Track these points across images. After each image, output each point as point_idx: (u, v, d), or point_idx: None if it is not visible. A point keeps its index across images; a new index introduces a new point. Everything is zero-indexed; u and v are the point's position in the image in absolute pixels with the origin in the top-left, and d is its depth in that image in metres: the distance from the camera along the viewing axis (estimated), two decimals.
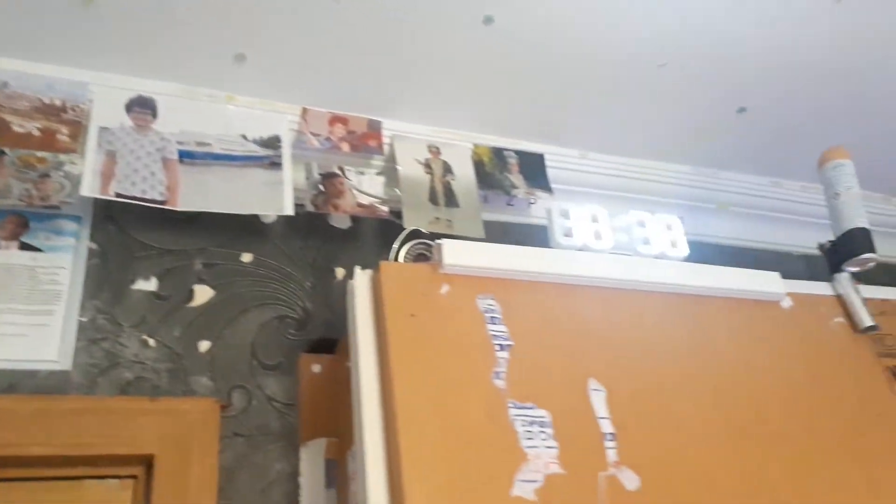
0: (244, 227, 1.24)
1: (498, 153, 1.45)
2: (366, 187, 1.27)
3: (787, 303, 1.18)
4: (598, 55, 1.32)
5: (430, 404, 0.87)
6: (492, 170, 1.42)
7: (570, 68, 1.34)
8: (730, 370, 1.06)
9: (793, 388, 1.09)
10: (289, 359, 1.16)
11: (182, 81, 1.25)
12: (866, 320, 1.19)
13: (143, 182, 1.13)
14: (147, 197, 1.12)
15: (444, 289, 0.98)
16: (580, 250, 1.09)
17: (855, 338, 1.20)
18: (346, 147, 1.30)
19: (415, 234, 1.12)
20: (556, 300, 1.03)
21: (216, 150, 1.21)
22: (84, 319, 1.09)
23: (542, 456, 0.88)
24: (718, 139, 1.58)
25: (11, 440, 0.95)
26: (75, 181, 1.10)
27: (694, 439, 0.97)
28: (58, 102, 1.16)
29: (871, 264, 1.23)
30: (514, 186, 1.42)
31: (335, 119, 1.32)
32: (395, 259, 1.04)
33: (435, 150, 1.38)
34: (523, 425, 0.89)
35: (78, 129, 1.14)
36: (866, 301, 1.23)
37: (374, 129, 1.35)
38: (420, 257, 1.04)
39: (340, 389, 1.02)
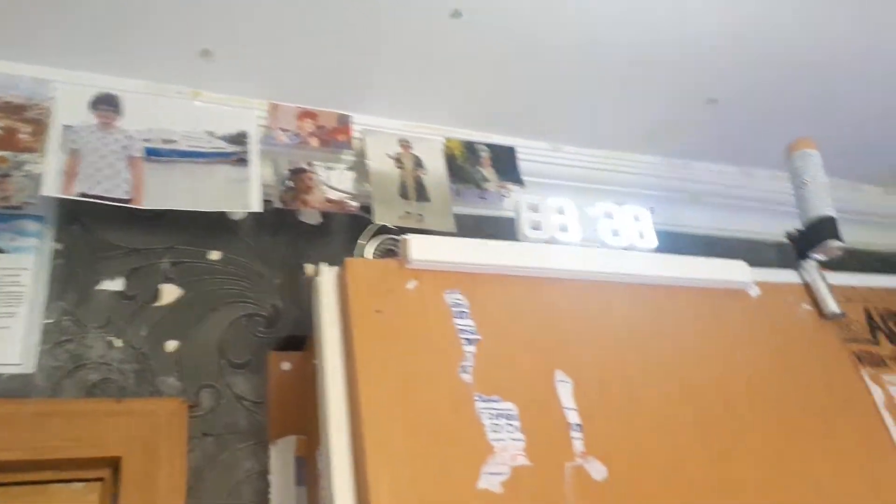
0: (212, 225, 1.23)
1: (469, 147, 1.45)
2: (335, 182, 1.26)
3: (754, 291, 1.19)
4: (567, 48, 1.32)
5: (395, 400, 0.87)
6: (463, 163, 1.42)
7: (539, 61, 1.34)
8: (697, 359, 1.07)
9: (760, 375, 1.10)
10: (258, 357, 1.15)
11: (148, 78, 1.23)
12: (832, 307, 1.20)
13: (107, 181, 1.12)
14: (111, 196, 1.11)
15: (411, 284, 0.97)
16: (547, 243, 1.09)
17: (822, 324, 1.21)
18: (314, 142, 1.29)
19: (382, 229, 1.12)
20: (524, 293, 1.03)
21: (183, 147, 1.20)
22: (49, 321, 1.08)
23: (508, 448, 0.88)
24: (689, 130, 1.58)
25: None
26: (37, 181, 1.08)
27: (661, 429, 0.97)
28: (19, 101, 1.14)
29: (838, 252, 1.24)
30: (485, 180, 1.42)
31: (304, 114, 1.31)
32: (362, 255, 1.03)
33: (406, 144, 1.37)
34: (490, 418, 0.89)
35: (40, 127, 1.13)
36: (832, 288, 1.24)
37: (344, 123, 1.34)
38: (388, 253, 1.04)
39: (310, 387, 1.01)
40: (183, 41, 1.17)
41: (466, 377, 0.92)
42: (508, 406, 0.91)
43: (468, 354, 0.94)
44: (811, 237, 1.24)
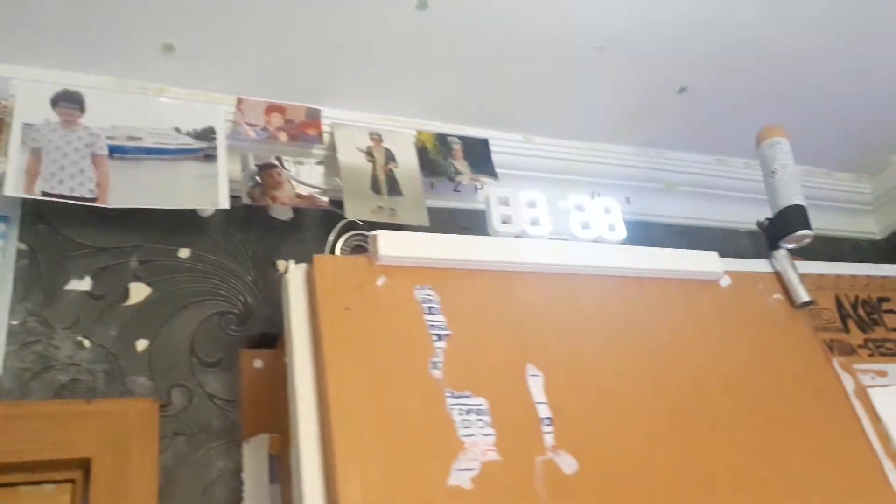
0: (181, 222, 1.21)
1: (442, 139, 1.44)
2: (304, 177, 1.25)
3: (725, 281, 1.20)
4: (536, 39, 1.31)
5: (365, 397, 0.86)
6: (436, 156, 1.41)
7: (508, 52, 1.33)
8: (669, 351, 1.08)
9: (732, 366, 1.11)
10: (230, 355, 1.15)
11: (111, 74, 1.22)
12: (803, 296, 1.21)
13: (70, 180, 1.10)
14: (75, 195, 1.09)
15: (381, 280, 0.97)
16: (518, 237, 1.09)
17: (793, 313, 1.22)
18: (283, 137, 1.28)
19: (350, 225, 1.11)
20: (495, 288, 1.03)
21: (148, 143, 1.18)
22: (14, 323, 1.06)
23: (479, 444, 0.88)
24: (661, 119, 1.59)
25: None
26: None
27: (632, 421, 0.98)
28: None
29: (807, 241, 1.25)
30: (458, 172, 1.42)
31: (272, 108, 1.30)
32: (332, 251, 1.03)
33: (377, 137, 1.37)
34: (460, 414, 0.89)
35: (0, 126, 1.10)
36: (803, 276, 1.25)
37: (313, 117, 1.33)
38: (357, 248, 1.03)
39: (282, 384, 1.00)
40: (144, 36, 1.16)
41: (437, 373, 0.92)
42: (479, 401, 0.91)
43: (439, 350, 0.94)
44: (781, 226, 1.25)
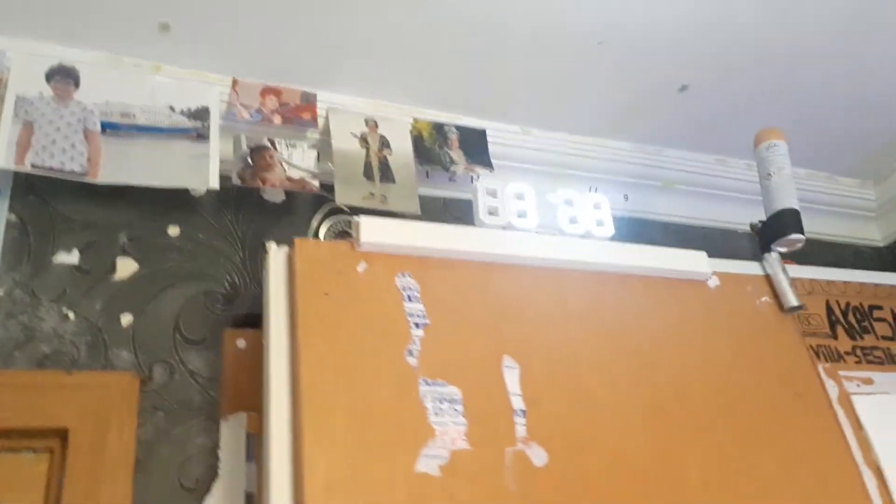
0: (173, 200, 1.22)
1: (438, 128, 1.44)
2: (296, 161, 1.25)
3: (713, 282, 1.19)
4: (537, 31, 1.30)
5: (337, 381, 0.87)
6: (431, 145, 1.41)
7: (508, 44, 1.33)
8: (651, 349, 1.07)
9: (714, 366, 1.10)
10: (214, 334, 1.15)
11: (107, 50, 1.22)
12: (792, 300, 1.20)
13: (61, 154, 1.11)
14: (66, 169, 1.10)
15: (362, 267, 0.97)
16: (504, 229, 1.09)
17: (780, 317, 1.21)
18: (277, 119, 1.28)
19: (334, 210, 1.11)
20: (477, 279, 1.03)
21: (141, 121, 1.19)
22: (1, 293, 1.07)
23: (449, 432, 0.88)
24: (661, 116, 1.57)
25: None
26: None
27: (607, 417, 0.98)
28: None
29: (799, 245, 1.24)
30: (453, 162, 1.41)
31: (267, 90, 1.30)
32: (315, 236, 1.03)
33: (372, 123, 1.36)
34: (433, 402, 0.90)
35: None
36: (794, 281, 1.24)
37: (309, 101, 1.33)
38: (342, 234, 1.03)
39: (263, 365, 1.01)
40: (141, 13, 1.16)
41: (412, 361, 0.92)
42: (453, 390, 0.92)
43: (416, 338, 0.94)
44: (774, 229, 1.24)
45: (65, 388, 1.02)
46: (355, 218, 0.98)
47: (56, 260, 1.13)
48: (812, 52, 1.41)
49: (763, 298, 1.22)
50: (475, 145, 1.46)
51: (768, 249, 1.25)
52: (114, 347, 1.09)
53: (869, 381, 1.21)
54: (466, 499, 0.85)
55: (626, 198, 1.67)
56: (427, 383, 0.91)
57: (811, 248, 1.83)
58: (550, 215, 1.13)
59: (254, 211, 1.28)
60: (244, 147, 1.23)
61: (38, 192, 1.15)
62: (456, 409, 0.90)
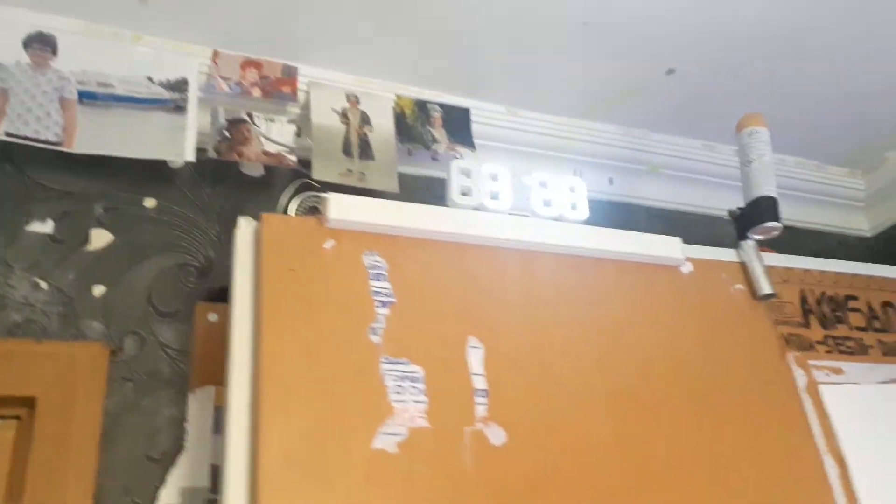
0: (151, 172, 1.22)
1: (421, 106, 1.43)
2: (274, 135, 1.24)
3: (687, 268, 1.19)
4: (522, 9, 1.29)
5: (298, 356, 0.87)
6: (413, 122, 1.40)
7: (496, 20, 1.31)
8: (618, 333, 1.08)
9: (681, 352, 1.11)
10: (187, 307, 1.16)
11: (85, 18, 1.21)
12: (765, 288, 1.20)
13: (36, 122, 1.11)
14: (40, 138, 1.10)
15: (329, 244, 0.97)
16: (476, 210, 1.09)
17: (753, 305, 1.21)
18: (257, 93, 1.27)
19: (305, 185, 1.11)
20: (446, 259, 1.03)
21: (119, 91, 1.18)
22: None
23: (409, 410, 0.89)
24: (648, 100, 1.56)
25: None
26: None
27: (569, 399, 0.98)
28: None
29: (775, 233, 1.24)
30: (435, 141, 1.41)
31: (248, 63, 1.29)
32: (285, 211, 1.03)
33: (354, 99, 1.36)
34: (394, 380, 0.90)
35: None
36: (769, 269, 1.24)
37: (290, 74, 1.32)
38: (312, 210, 1.03)
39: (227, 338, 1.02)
40: None
41: (375, 339, 0.92)
42: (415, 369, 0.92)
43: (380, 316, 0.94)
44: (750, 217, 1.24)
45: (34, 357, 1.03)
46: (324, 194, 0.98)
47: (30, 229, 1.13)
48: (804, 38, 1.40)
49: (737, 286, 1.22)
50: (458, 124, 1.45)
51: (745, 237, 1.25)
52: (85, 318, 1.10)
53: (839, 371, 1.21)
54: (423, 475, 0.85)
55: (610, 181, 1.67)
56: (389, 361, 0.91)
57: (797, 237, 1.83)
58: (524, 197, 1.13)
59: (232, 185, 1.28)
60: (221, 120, 1.22)
61: (14, 160, 1.15)
62: (417, 388, 0.91)
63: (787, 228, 1.78)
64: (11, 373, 1.01)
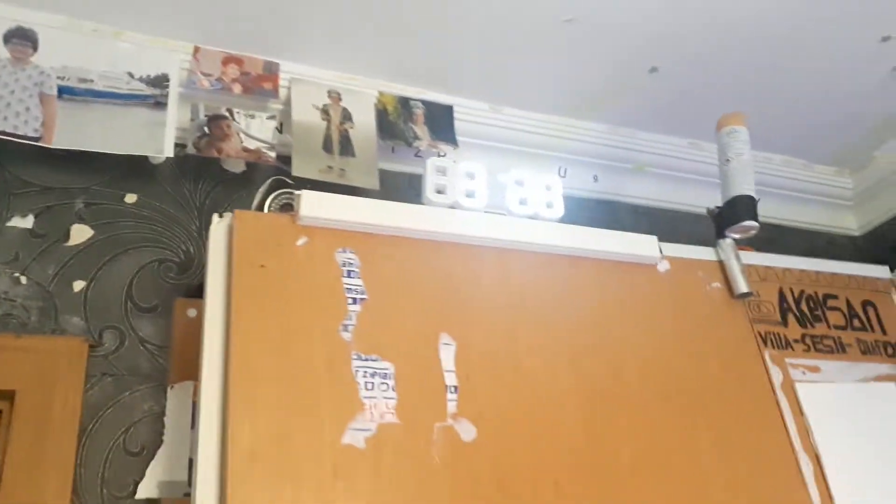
0: (132, 168, 1.23)
1: (404, 102, 1.44)
2: (254, 131, 1.25)
3: (663, 266, 1.20)
4: (507, 6, 1.29)
5: (268, 352, 0.88)
6: (395, 119, 1.41)
7: (479, 16, 1.31)
8: (592, 331, 1.08)
9: (656, 350, 1.11)
10: (166, 302, 1.17)
11: (67, 14, 1.22)
12: (742, 286, 1.21)
13: (15, 117, 1.11)
14: (18, 133, 1.11)
15: (301, 241, 0.98)
16: (451, 208, 1.09)
17: (730, 303, 1.22)
18: (238, 89, 1.28)
19: (279, 182, 1.12)
20: (420, 256, 1.03)
21: (99, 87, 1.19)
22: None
23: (378, 406, 0.89)
24: (633, 98, 1.56)
25: None
26: None
27: (541, 396, 0.99)
28: None
29: (753, 232, 1.24)
30: (416, 137, 1.41)
31: (229, 59, 1.29)
32: (260, 208, 1.04)
33: (336, 95, 1.36)
34: (364, 377, 0.91)
35: None
36: (749, 267, 1.25)
37: (271, 71, 1.32)
38: (286, 207, 1.04)
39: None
40: None
41: (346, 335, 0.93)
42: (386, 365, 0.93)
43: (352, 313, 0.95)
44: (729, 216, 1.24)
45: (12, 351, 1.04)
46: (297, 192, 0.98)
47: (10, 224, 1.14)
48: (790, 36, 1.40)
49: (714, 284, 1.22)
50: (441, 121, 1.46)
51: (723, 235, 1.25)
52: (65, 313, 1.11)
53: (816, 370, 1.22)
54: (391, 470, 0.86)
55: (595, 179, 1.67)
56: (360, 358, 0.92)
57: (785, 235, 1.84)
58: (500, 195, 1.13)
59: (213, 181, 1.29)
60: (201, 116, 1.23)
61: None
62: (387, 384, 0.91)
63: (774, 227, 1.81)
64: None
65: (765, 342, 1.21)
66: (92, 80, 1.18)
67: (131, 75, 1.21)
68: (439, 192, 1.09)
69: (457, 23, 1.32)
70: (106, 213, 1.20)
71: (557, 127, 1.60)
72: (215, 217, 0.98)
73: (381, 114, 1.39)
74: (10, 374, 1.03)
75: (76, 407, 1.04)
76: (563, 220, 1.17)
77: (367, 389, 0.90)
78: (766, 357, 1.19)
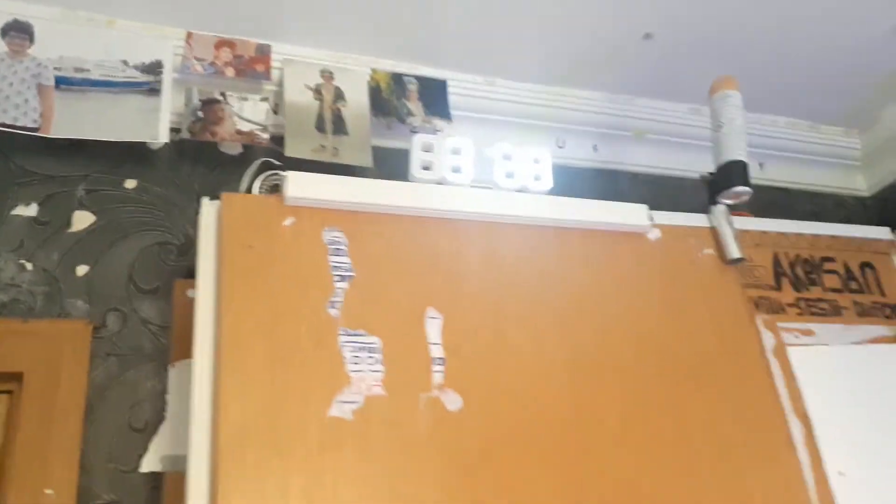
0: (131, 154, 1.26)
1: (397, 79, 1.44)
2: (248, 114, 1.27)
3: (654, 234, 1.20)
4: None
5: (257, 330, 0.91)
6: (388, 96, 1.42)
7: None
8: (580, 301, 1.09)
9: (646, 317, 1.12)
10: (166, 284, 1.20)
11: (61, 5, 1.24)
12: (734, 252, 1.21)
13: (14, 109, 1.15)
14: (18, 124, 1.14)
15: (289, 221, 1.00)
16: (438, 184, 1.11)
17: (722, 269, 1.22)
18: (231, 72, 1.30)
19: (267, 164, 1.14)
20: (407, 233, 1.05)
21: (95, 76, 1.22)
22: None
23: (365, 379, 0.92)
24: (629, 65, 1.55)
25: None
26: None
27: (527, 366, 1.01)
28: None
29: (745, 197, 1.24)
30: (410, 114, 1.42)
31: (221, 43, 1.31)
32: (249, 190, 1.06)
33: (328, 75, 1.37)
34: (351, 351, 0.94)
35: None
36: (744, 233, 1.25)
37: (263, 53, 1.34)
38: (275, 188, 1.06)
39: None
40: None
41: (334, 312, 0.96)
42: (372, 340, 0.95)
43: (339, 290, 0.97)
44: (721, 182, 1.24)
45: (20, 335, 1.09)
46: (283, 172, 1.01)
47: (15, 212, 1.18)
48: None
49: (705, 251, 1.22)
50: (435, 97, 1.47)
51: (715, 201, 1.25)
52: (69, 297, 1.15)
53: (809, 333, 1.22)
54: (377, 441, 0.89)
55: (595, 148, 1.67)
56: (347, 333, 0.95)
57: (792, 198, 1.82)
58: (487, 170, 1.14)
59: (210, 164, 1.32)
60: (195, 100, 1.25)
61: None
62: (374, 358, 0.94)
63: (781, 190, 1.79)
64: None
65: (757, 307, 1.21)
66: (88, 70, 1.21)
67: (126, 63, 1.24)
68: (426, 168, 1.11)
69: None
70: (106, 199, 1.23)
71: (553, 96, 1.59)
72: (205, 200, 1.01)
73: (375, 91, 1.40)
74: (18, 357, 1.08)
75: (82, 386, 1.09)
76: (562, 192, 1.18)
77: (353, 363, 0.93)
78: (758, 322, 1.19)
